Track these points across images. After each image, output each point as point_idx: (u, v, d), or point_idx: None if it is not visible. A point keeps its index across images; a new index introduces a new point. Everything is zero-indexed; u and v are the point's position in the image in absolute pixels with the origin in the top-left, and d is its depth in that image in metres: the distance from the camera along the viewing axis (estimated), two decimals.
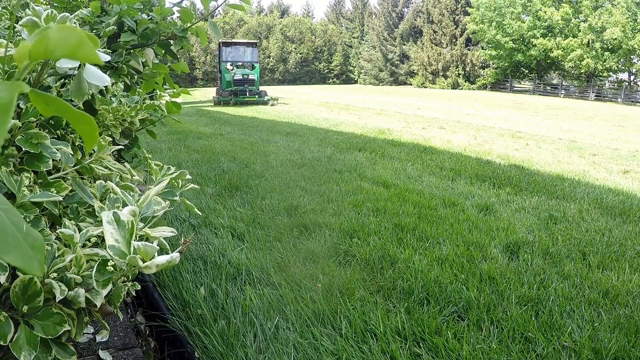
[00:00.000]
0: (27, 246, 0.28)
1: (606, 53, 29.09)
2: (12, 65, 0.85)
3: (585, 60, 29.72)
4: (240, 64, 18.47)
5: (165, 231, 0.89)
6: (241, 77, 16.77)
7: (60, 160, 0.95)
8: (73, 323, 0.77)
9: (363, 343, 1.45)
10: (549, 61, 33.45)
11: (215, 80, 45.21)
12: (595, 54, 29.37)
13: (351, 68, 52.35)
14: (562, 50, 30.64)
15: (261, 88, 18.20)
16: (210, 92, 23.41)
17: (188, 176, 1.22)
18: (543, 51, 31.64)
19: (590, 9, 28.91)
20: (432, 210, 2.98)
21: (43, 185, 0.89)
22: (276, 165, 4.34)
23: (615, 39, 27.56)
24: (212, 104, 15.77)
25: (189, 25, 1.30)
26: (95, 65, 0.86)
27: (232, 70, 17.63)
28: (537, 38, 31.83)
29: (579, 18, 30.25)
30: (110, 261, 0.71)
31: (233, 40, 19.78)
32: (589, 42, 29.27)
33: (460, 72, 38.90)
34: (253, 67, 18.64)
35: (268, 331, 1.49)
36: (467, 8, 36.57)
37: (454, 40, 39.23)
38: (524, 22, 32.43)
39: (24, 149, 0.85)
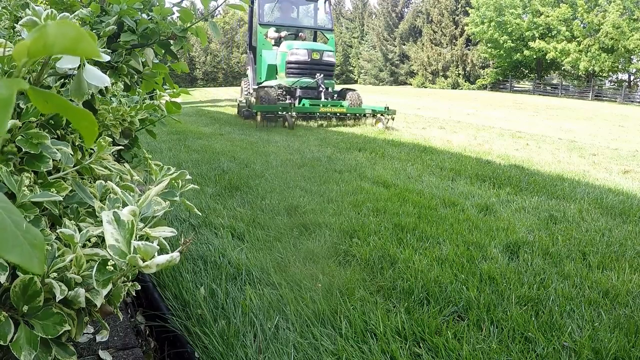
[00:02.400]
0: (27, 244, 0.28)
1: (603, 55, 29.12)
2: (11, 65, 0.85)
3: (582, 64, 29.78)
4: (301, 35, 9.64)
5: (165, 231, 0.89)
6: (307, 57, 8.17)
7: (60, 160, 0.95)
8: (73, 323, 0.77)
9: (363, 343, 1.45)
10: (548, 61, 33.51)
11: (215, 80, 44.39)
12: (592, 55, 29.41)
13: (351, 68, 52.37)
14: (559, 53, 30.70)
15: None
16: (210, 93, 22.62)
17: (188, 176, 1.22)
18: (539, 51, 31.69)
19: (585, 8, 28.93)
20: (432, 210, 2.98)
21: (43, 185, 0.89)
22: (276, 165, 4.33)
23: (612, 38, 27.58)
24: (239, 114, 9.11)
25: (189, 25, 1.30)
26: (95, 65, 0.86)
27: (277, 41, 9.03)
28: (535, 39, 31.89)
29: (577, 18, 30.28)
30: (110, 261, 0.71)
31: None
32: (587, 46, 29.31)
33: (460, 72, 38.93)
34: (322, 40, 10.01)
35: (268, 331, 1.49)
36: (467, 9, 36.58)
37: (454, 40, 39.24)
38: (524, 22, 32.48)
39: (24, 149, 0.85)
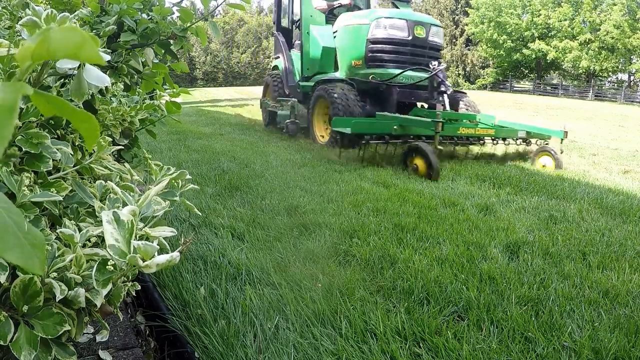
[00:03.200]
0: (28, 245, 0.28)
1: (603, 52, 29.18)
2: (11, 65, 0.85)
3: (583, 62, 29.84)
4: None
5: (165, 231, 0.89)
6: (406, 34, 5.36)
7: (60, 160, 0.95)
8: (73, 323, 0.77)
9: (363, 343, 1.45)
10: (548, 61, 33.58)
11: (215, 80, 44.07)
12: (593, 54, 29.47)
13: None
14: (560, 53, 30.74)
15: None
16: (210, 93, 22.39)
17: (188, 176, 1.22)
18: (539, 51, 31.76)
19: (590, 6, 29.01)
20: (432, 210, 2.98)
21: (43, 185, 0.89)
22: (276, 165, 4.33)
23: (613, 37, 27.66)
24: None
25: (188, 25, 1.30)
26: (95, 65, 0.86)
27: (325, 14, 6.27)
28: (535, 39, 31.96)
29: (579, 17, 30.33)
30: (110, 261, 0.71)
31: None
32: (587, 41, 29.36)
33: (460, 72, 38.96)
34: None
35: (268, 331, 1.49)
36: (467, 9, 36.64)
37: (454, 40, 39.26)
38: (522, 22, 32.58)
39: (24, 149, 0.85)
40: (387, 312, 1.65)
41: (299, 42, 6.60)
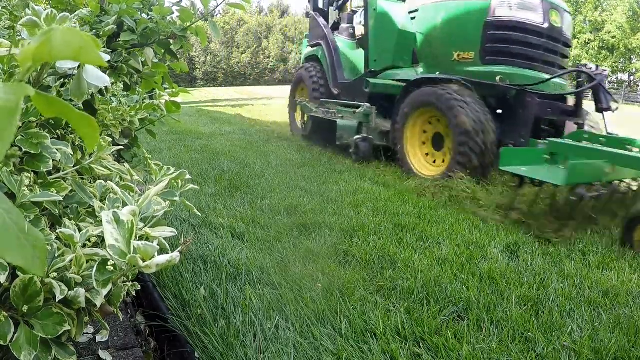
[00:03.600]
0: (29, 246, 0.28)
1: (603, 52, 29.22)
2: (12, 65, 0.85)
3: (582, 61, 29.94)
4: None
5: (165, 231, 0.89)
6: (541, 21, 3.62)
7: (60, 160, 0.95)
8: (73, 323, 0.77)
9: (363, 343, 1.45)
10: None
11: (215, 80, 44.02)
12: (593, 53, 29.53)
13: None
14: None
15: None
16: (210, 93, 22.27)
17: (188, 176, 1.22)
18: None
19: (593, 4, 29.05)
20: (432, 210, 2.98)
21: (43, 185, 0.89)
22: (276, 165, 4.33)
23: (614, 37, 27.71)
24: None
25: (188, 24, 1.30)
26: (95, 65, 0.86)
27: None
28: None
29: (580, 16, 30.36)
30: (110, 261, 0.71)
31: None
32: (587, 40, 29.41)
33: None
34: None
35: (268, 331, 1.49)
36: None
37: None
38: None
39: (24, 149, 0.85)
40: (387, 312, 1.65)
41: (347, 25, 5.37)
